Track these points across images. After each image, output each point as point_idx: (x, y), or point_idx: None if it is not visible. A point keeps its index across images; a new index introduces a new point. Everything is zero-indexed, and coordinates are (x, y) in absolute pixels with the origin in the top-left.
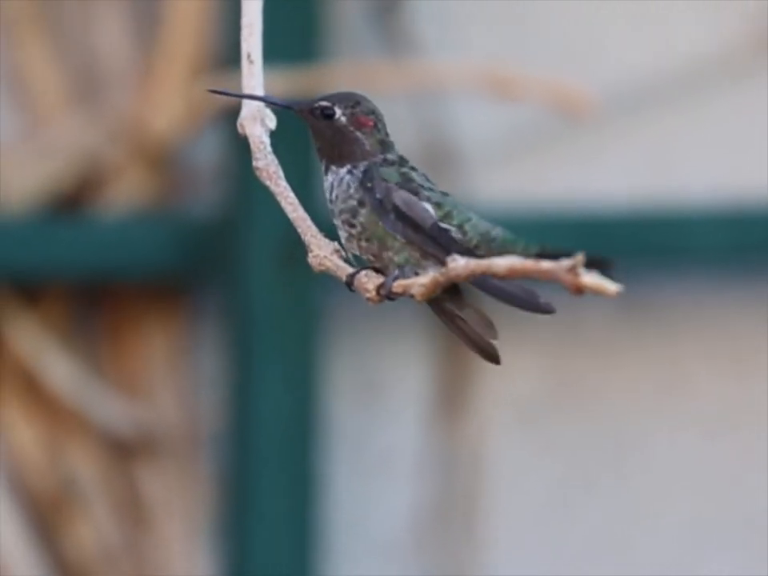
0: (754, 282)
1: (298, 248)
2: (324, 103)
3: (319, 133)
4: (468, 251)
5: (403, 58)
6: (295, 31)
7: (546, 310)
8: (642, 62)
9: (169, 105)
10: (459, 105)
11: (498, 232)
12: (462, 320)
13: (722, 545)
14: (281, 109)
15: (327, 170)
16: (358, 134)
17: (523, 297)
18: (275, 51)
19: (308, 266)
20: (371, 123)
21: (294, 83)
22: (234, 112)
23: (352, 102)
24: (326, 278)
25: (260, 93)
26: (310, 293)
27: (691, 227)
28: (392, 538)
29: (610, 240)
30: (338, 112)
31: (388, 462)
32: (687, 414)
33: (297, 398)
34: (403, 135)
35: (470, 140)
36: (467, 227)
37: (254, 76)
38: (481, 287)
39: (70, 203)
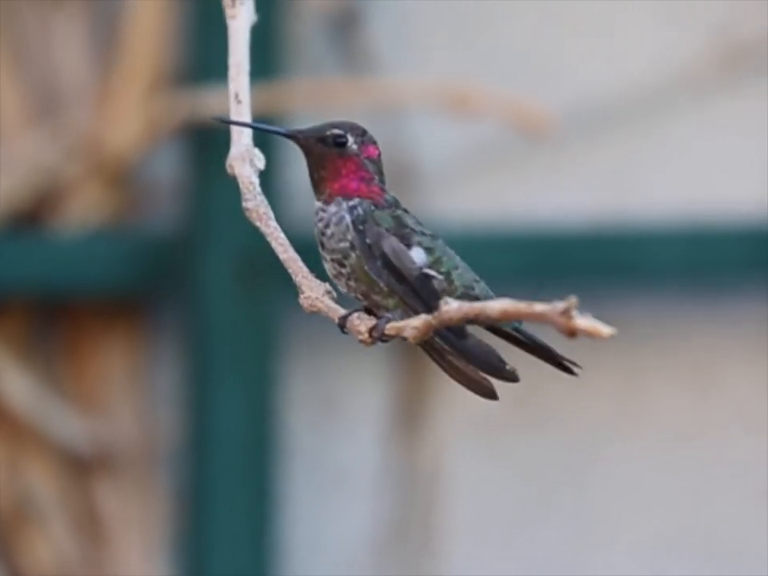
0: (711, 298)
1: (257, 262)
2: (337, 131)
3: (325, 162)
4: None
5: (362, 75)
6: (255, 48)
7: (511, 378)
8: (601, 80)
9: (127, 121)
10: (419, 122)
11: (482, 287)
12: (453, 356)
13: (682, 561)
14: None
15: (328, 200)
16: (368, 163)
17: (490, 361)
18: None
19: (266, 283)
20: (378, 153)
21: (254, 100)
22: (192, 129)
23: (360, 130)
24: (283, 294)
25: (248, 132)
26: (268, 309)
27: (650, 245)
28: (350, 554)
29: (569, 257)
30: (351, 140)
31: (346, 479)
32: (646, 429)
33: (254, 415)
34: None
35: (430, 157)
36: (454, 275)
37: (242, 116)
38: (450, 346)
39: (29, 219)
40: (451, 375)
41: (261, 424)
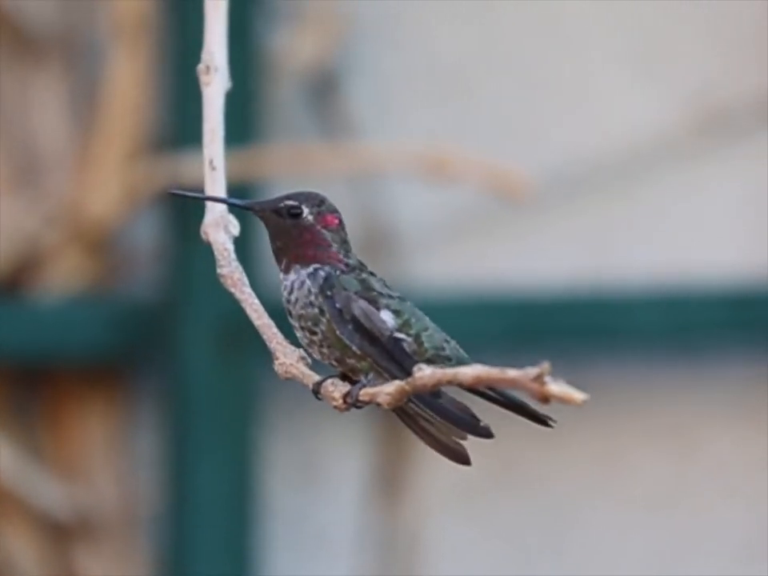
0: (691, 362)
1: (237, 328)
2: (291, 202)
3: (281, 233)
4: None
5: (340, 140)
6: (232, 113)
7: (485, 434)
8: (579, 144)
9: (106, 187)
10: (397, 187)
11: (452, 347)
12: (427, 422)
13: None
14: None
15: (288, 269)
16: (325, 232)
17: (465, 419)
18: None
19: (246, 348)
20: (337, 222)
21: (232, 165)
22: (171, 195)
23: (317, 200)
24: (263, 359)
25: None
26: (247, 375)
27: (629, 308)
28: None
29: (549, 322)
30: (305, 211)
31: (326, 541)
32: (625, 493)
33: (235, 479)
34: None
35: (409, 222)
36: (423, 337)
37: (216, 182)
38: (426, 405)
39: (8, 285)
40: (424, 440)
41: (241, 488)
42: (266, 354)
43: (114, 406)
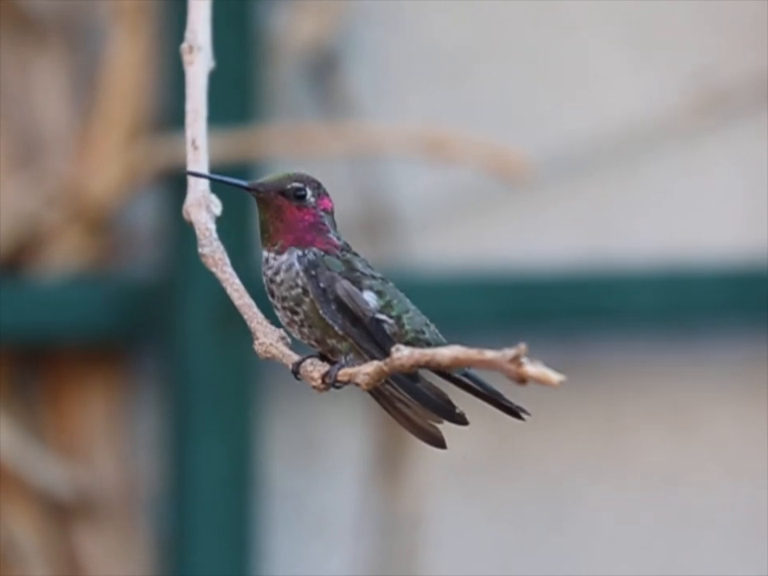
0: (691, 341)
1: (236, 311)
2: (297, 184)
3: (283, 214)
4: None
5: (340, 120)
6: (232, 93)
7: (460, 421)
8: (579, 125)
9: (106, 168)
10: (396, 167)
11: (431, 331)
12: (403, 404)
13: None
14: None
15: (282, 250)
16: (324, 216)
17: (441, 404)
18: (212, 113)
19: (245, 329)
20: (331, 205)
21: (231, 145)
22: (171, 176)
23: (316, 183)
24: None
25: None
26: (247, 355)
27: (629, 288)
28: None
29: (548, 301)
30: (309, 193)
31: (326, 523)
32: (626, 472)
33: (234, 460)
34: (341, 198)
35: (408, 202)
36: (405, 319)
37: (198, 162)
38: (401, 388)
39: (9, 266)
40: (400, 422)
41: (241, 469)
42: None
43: (114, 386)
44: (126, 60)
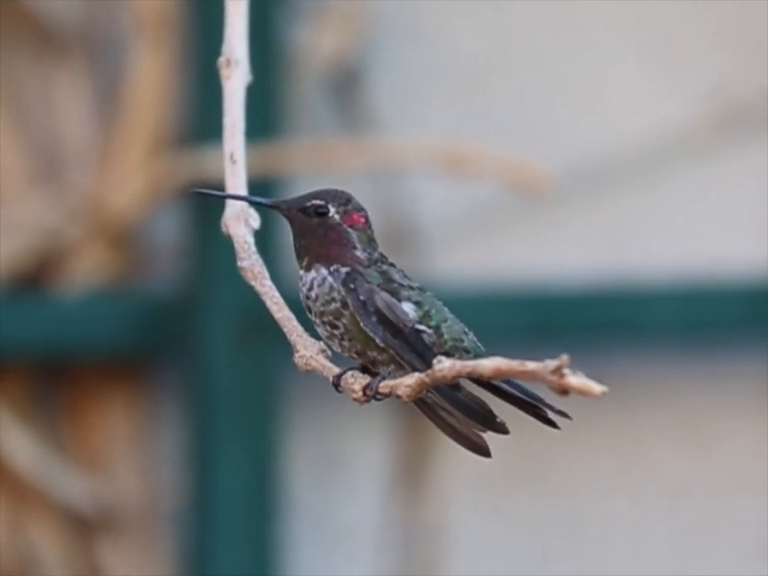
0: (710, 356)
1: (259, 323)
2: (317, 201)
3: (306, 231)
4: (443, 355)
5: (361, 135)
6: (254, 108)
7: (501, 430)
8: (598, 140)
9: (129, 183)
10: (418, 182)
11: (470, 339)
12: (446, 412)
13: None
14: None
15: (309, 267)
16: (351, 231)
17: (482, 413)
18: None
19: (267, 343)
20: (363, 221)
21: (253, 160)
22: (193, 191)
23: (344, 199)
24: (285, 353)
25: (243, 192)
26: (269, 369)
27: (648, 303)
28: None
29: (568, 316)
30: (332, 210)
31: (349, 537)
32: (645, 486)
33: (257, 474)
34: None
35: (429, 217)
36: (443, 328)
37: (236, 176)
38: (443, 397)
39: (31, 281)
40: (444, 431)
41: (263, 483)
42: (287, 348)
43: (136, 401)
44: (148, 74)
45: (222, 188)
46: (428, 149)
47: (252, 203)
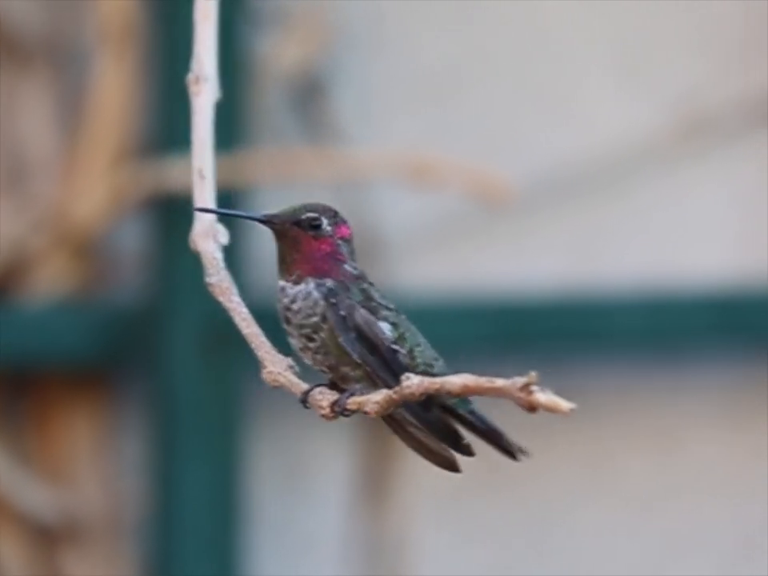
0: (676, 365)
1: (222, 334)
2: (312, 214)
3: (300, 245)
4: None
5: (326, 145)
6: (218, 118)
7: (466, 452)
8: (564, 149)
9: (92, 193)
10: (382, 192)
11: (441, 365)
12: (414, 428)
13: None
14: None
15: (299, 280)
16: (341, 244)
17: (448, 434)
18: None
19: (231, 354)
20: (349, 232)
21: (218, 171)
22: (157, 200)
23: (332, 211)
24: (248, 365)
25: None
26: (232, 379)
27: (613, 312)
28: None
29: (533, 326)
30: (325, 222)
31: (312, 548)
32: (611, 495)
33: (220, 484)
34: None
35: (394, 227)
36: (416, 352)
37: (204, 191)
38: (413, 416)
39: None
40: (411, 447)
41: (227, 493)
42: (250, 360)
43: (99, 411)
44: (112, 84)
45: (226, 207)
46: (392, 159)
47: (242, 219)
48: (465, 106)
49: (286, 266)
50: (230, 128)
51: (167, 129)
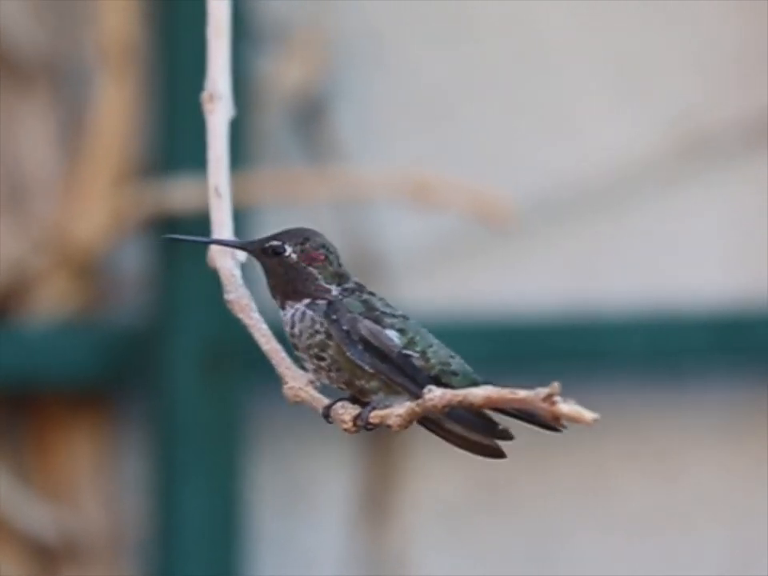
0: (676, 386)
1: (223, 354)
2: (274, 243)
3: (272, 271)
4: (431, 379)
5: (327, 165)
6: None
7: (504, 436)
8: (565, 168)
9: (93, 213)
10: (383, 212)
11: (457, 362)
12: (451, 423)
13: None
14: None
15: (284, 305)
16: (311, 269)
17: (482, 423)
18: (197, 158)
19: (231, 374)
20: (322, 257)
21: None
22: (158, 220)
23: (301, 238)
24: (249, 384)
25: (228, 226)
26: (233, 399)
27: (614, 331)
28: None
29: (534, 346)
30: (288, 249)
31: (313, 566)
32: (611, 516)
33: (221, 504)
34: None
35: (394, 247)
36: (429, 353)
37: (221, 210)
38: (444, 414)
39: None
40: (453, 442)
41: (227, 512)
42: (251, 379)
43: (100, 431)
44: (112, 104)
45: (193, 235)
46: (393, 178)
47: (220, 244)
48: (464, 126)
49: (271, 292)
50: (232, 148)
51: (168, 149)
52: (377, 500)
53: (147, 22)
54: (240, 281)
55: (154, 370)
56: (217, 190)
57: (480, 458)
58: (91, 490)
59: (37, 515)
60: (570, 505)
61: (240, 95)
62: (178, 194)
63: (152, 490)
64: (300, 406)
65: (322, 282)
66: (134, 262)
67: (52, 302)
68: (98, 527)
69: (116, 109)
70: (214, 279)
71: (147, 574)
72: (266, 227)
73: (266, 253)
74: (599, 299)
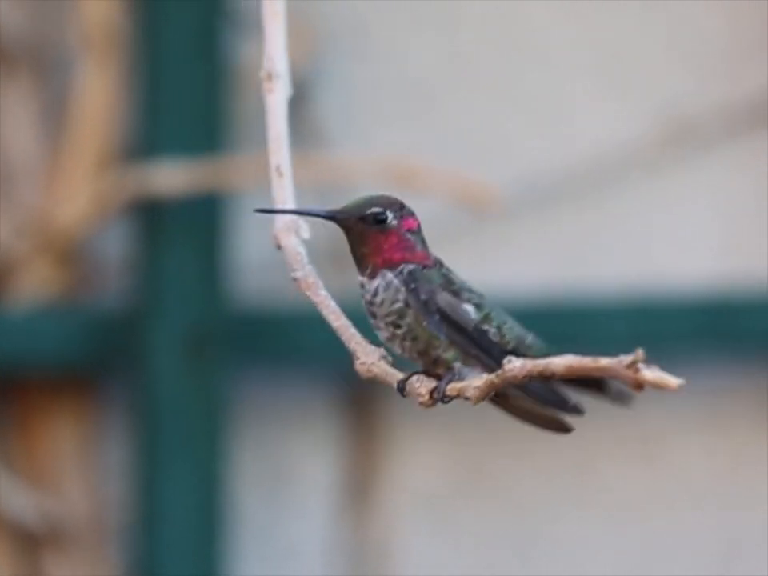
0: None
1: (206, 338)
2: (376, 209)
3: (367, 239)
4: (507, 353)
5: (309, 150)
6: (200, 122)
7: (576, 411)
8: (549, 155)
9: (76, 197)
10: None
11: (531, 338)
12: (519, 399)
13: None
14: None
15: (374, 274)
16: (409, 235)
17: (555, 397)
18: (179, 142)
19: (214, 358)
20: (417, 223)
21: (199, 175)
22: (141, 204)
23: (397, 205)
24: (232, 369)
25: (291, 204)
26: (216, 384)
27: (598, 318)
28: None
29: None
30: (390, 216)
31: (296, 552)
32: (595, 501)
33: (204, 489)
34: (309, 228)
35: None
36: (505, 329)
37: (283, 188)
38: (517, 388)
39: None
40: (520, 418)
41: (211, 498)
42: (235, 364)
43: (83, 416)
44: (95, 89)
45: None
46: (377, 164)
47: (307, 215)
48: (449, 112)
49: (358, 260)
50: (213, 133)
51: (150, 133)
52: (360, 486)
53: (130, 6)
54: (306, 259)
55: (137, 355)
56: (278, 168)
57: (465, 444)
58: (74, 474)
59: (20, 500)
60: (555, 491)
61: (223, 79)
62: (160, 178)
63: (135, 475)
64: (281, 391)
65: (419, 249)
66: (116, 247)
67: (34, 286)
68: (81, 512)
69: (98, 94)
70: (197, 264)
71: (130, 560)
72: (249, 212)
73: (365, 221)
74: (584, 285)
